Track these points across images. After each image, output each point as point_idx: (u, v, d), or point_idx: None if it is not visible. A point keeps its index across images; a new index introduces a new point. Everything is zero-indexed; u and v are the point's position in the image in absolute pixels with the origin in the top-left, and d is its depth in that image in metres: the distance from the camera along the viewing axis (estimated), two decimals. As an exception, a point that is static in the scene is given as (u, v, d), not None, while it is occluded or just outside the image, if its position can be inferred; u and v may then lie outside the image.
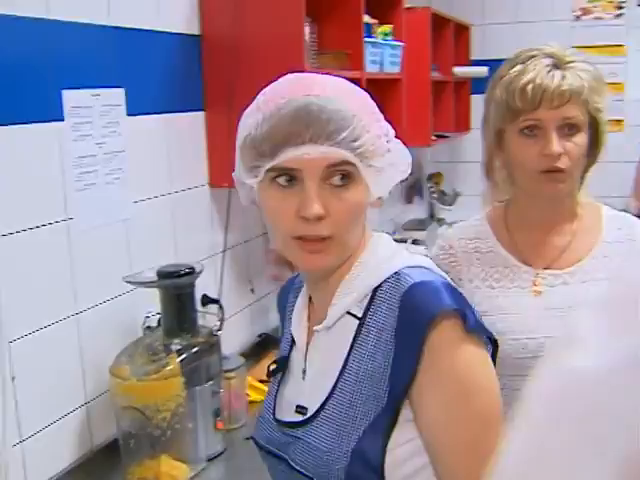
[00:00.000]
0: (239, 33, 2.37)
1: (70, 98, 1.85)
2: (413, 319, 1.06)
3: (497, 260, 1.66)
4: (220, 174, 2.50)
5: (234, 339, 2.57)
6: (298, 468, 1.11)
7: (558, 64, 1.54)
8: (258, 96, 1.12)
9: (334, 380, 1.12)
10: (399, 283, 1.10)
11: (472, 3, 5.05)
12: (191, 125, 2.42)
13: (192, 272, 1.98)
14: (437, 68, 4.35)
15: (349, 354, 1.12)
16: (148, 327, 2.08)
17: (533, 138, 1.54)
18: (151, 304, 2.05)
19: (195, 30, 2.40)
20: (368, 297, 1.13)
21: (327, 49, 2.82)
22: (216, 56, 2.42)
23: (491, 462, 0.91)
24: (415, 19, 3.85)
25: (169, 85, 2.29)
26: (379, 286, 1.13)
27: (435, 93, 4.20)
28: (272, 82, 1.12)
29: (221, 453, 2.06)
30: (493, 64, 4.84)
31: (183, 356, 1.90)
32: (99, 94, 1.94)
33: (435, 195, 5.15)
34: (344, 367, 1.12)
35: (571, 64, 1.54)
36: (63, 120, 1.83)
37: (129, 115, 2.07)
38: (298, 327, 1.23)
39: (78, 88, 1.88)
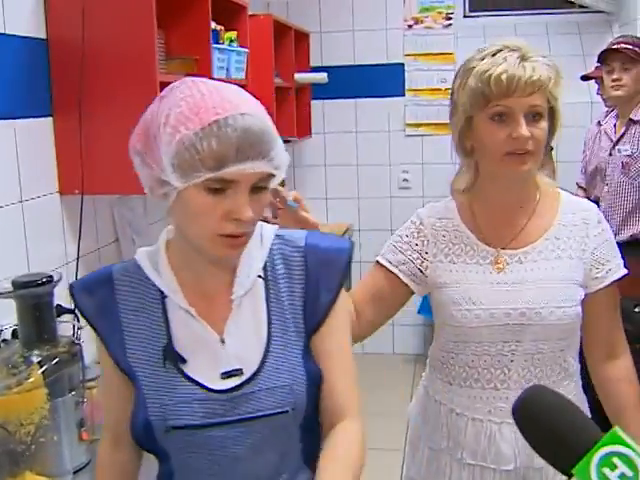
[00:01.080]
0: (87, 38, 2.33)
1: None
2: (329, 263, 1.35)
3: (460, 238, 1.80)
4: (71, 181, 2.45)
5: (88, 348, 2.51)
6: (268, 412, 1.29)
7: (524, 57, 1.66)
8: (169, 101, 1.19)
9: (266, 332, 1.32)
10: (286, 240, 1.37)
11: (309, 12, 5.17)
12: (39, 131, 2.36)
13: (50, 281, 1.94)
14: (279, 74, 4.43)
15: (269, 307, 1.34)
16: (3, 340, 2.01)
17: (502, 123, 1.67)
18: (4, 316, 1.99)
19: (42, 34, 2.33)
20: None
21: (175, 55, 2.82)
22: (64, 61, 2.37)
23: None
24: (258, 26, 3.92)
25: (16, 90, 2.22)
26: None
27: (277, 99, 4.27)
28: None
29: (86, 464, 2.02)
30: (332, 70, 5.03)
31: (44, 367, 1.84)
32: (-55, 99, 1.86)
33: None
34: (269, 318, 1.33)
35: (534, 58, 1.66)
36: None
37: (-25, 121, 2.00)
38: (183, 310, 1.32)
39: None
